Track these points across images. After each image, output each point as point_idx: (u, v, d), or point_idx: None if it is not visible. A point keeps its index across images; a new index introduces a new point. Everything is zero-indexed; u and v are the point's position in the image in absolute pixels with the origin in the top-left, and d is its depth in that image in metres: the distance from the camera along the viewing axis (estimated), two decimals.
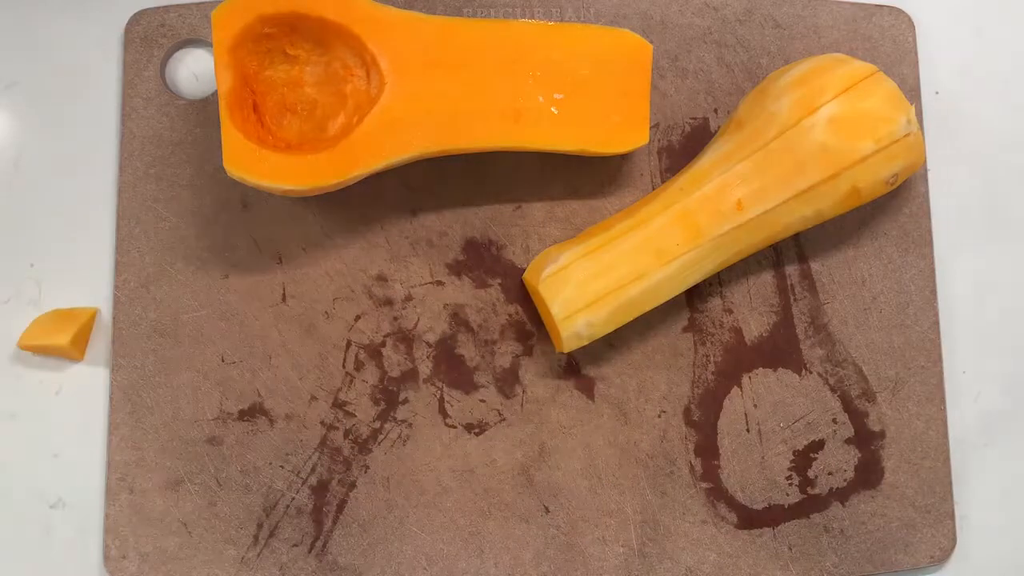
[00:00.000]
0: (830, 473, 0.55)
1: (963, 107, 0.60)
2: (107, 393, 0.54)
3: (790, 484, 0.55)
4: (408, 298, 0.55)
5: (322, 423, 0.54)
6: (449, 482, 0.54)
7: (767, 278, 0.57)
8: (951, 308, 0.58)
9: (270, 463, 0.54)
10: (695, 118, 0.57)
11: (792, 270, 0.57)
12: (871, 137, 0.51)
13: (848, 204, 0.53)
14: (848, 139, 0.50)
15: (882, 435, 0.56)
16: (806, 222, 0.53)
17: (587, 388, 0.55)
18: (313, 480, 0.54)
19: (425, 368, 0.55)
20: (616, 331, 0.53)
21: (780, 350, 0.56)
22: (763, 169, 0.51)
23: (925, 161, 0.57)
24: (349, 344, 0.55)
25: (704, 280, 0.55)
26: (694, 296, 0.56)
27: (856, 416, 0.56)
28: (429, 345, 0.55)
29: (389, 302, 0.55)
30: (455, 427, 0.55)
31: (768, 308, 0.56)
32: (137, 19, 0.56)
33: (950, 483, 0.56)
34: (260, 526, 0.54)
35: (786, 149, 0.51)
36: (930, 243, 0.57)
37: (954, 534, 0.55)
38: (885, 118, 0.51)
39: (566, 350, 0.52)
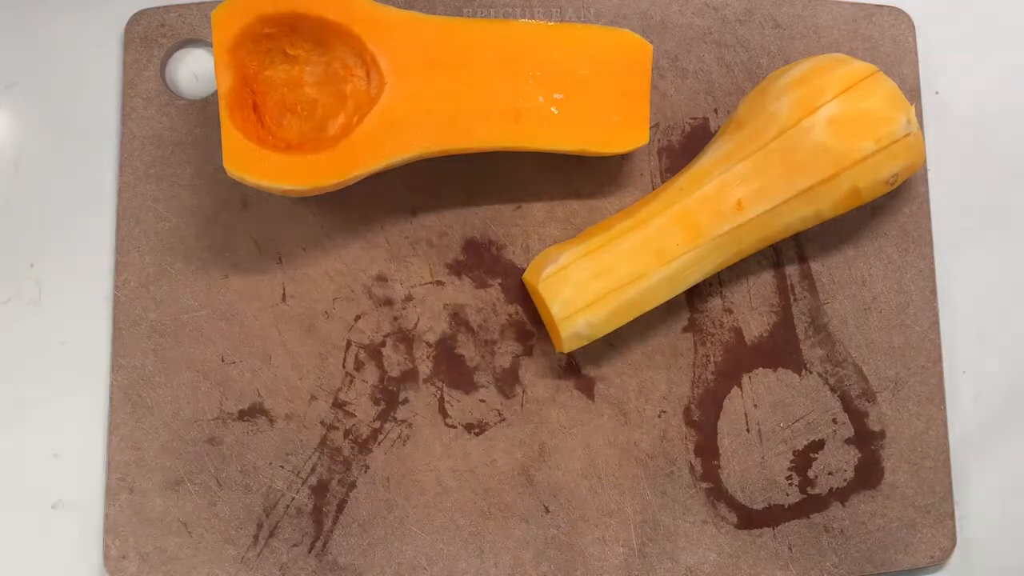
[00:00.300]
0: (830, 473, 0.55)
1: (963, 107, 0.60)
2: (107, 393, 0.54)
3: (790, 484, 0.55)
4: (408, 298, 0.55)
5: (322, 423, 0.54)
6: (449, 482, 0.54)
7: (767, 278, 0.57)
8: (951, 308, 0.58)
9: (270, 463, 0.54)
10: (695, 118, 0.57)
11: (792, 270, 0.57)
12: (871, 137, 0.51)
13: (848, 204, 0.53)
14: (848, 139, 0.50)
15: (882, 435, 0.56)
16: (806, 222, 0.53)
17: (587, 388, 0.55)
18: (313, 480, 0.54)
19: (425, 368, 0.55)
20: (616, 331, 0.53)
21: (780, 350, 0.56)
22: (763, 169, 0.51)
23: (925, 161, 0.57)
24: (349, 344, 0.55)
25: (704, 280, 0.55)
26: (694, 296, 0.56)
27: (856, 416, 0.56)
28: (429, 345, 0.55)
29: (389, 302, 0.55)
30: (455, 427, 0.55)
31: (768, 308, 0.56)
32: (137, 19, 0.56)
33: (950, 483, 0.56)
34: (260, 526, 0.54)
35: (786, 149, 0.51)
36: (930, 243, 0.57)
37: (954, 534, 0.55)
38: (885, 118, 0.51)
39: (566, 350, 0.52)
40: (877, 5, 0.59)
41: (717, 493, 0.55)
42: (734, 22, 0.58)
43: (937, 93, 0.60)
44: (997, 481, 0.57)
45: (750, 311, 0.56)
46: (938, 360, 0.57)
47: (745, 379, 0.56)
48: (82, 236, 0.56)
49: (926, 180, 0.58)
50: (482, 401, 0.55)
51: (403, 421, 0.55)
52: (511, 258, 0.56)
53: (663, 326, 0.56)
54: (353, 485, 0.54)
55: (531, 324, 0.55)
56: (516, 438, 0.55)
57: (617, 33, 0.53)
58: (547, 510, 0.55)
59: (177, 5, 0.57)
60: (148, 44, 0.56)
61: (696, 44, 0.58)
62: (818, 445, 0.56)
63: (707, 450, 0.55)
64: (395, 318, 0.55)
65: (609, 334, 0.53)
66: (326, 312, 0.55)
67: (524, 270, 0.56)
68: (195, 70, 0.58)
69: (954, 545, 0.55)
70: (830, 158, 0.51)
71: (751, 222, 0.52)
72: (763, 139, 0.51)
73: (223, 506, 0.54)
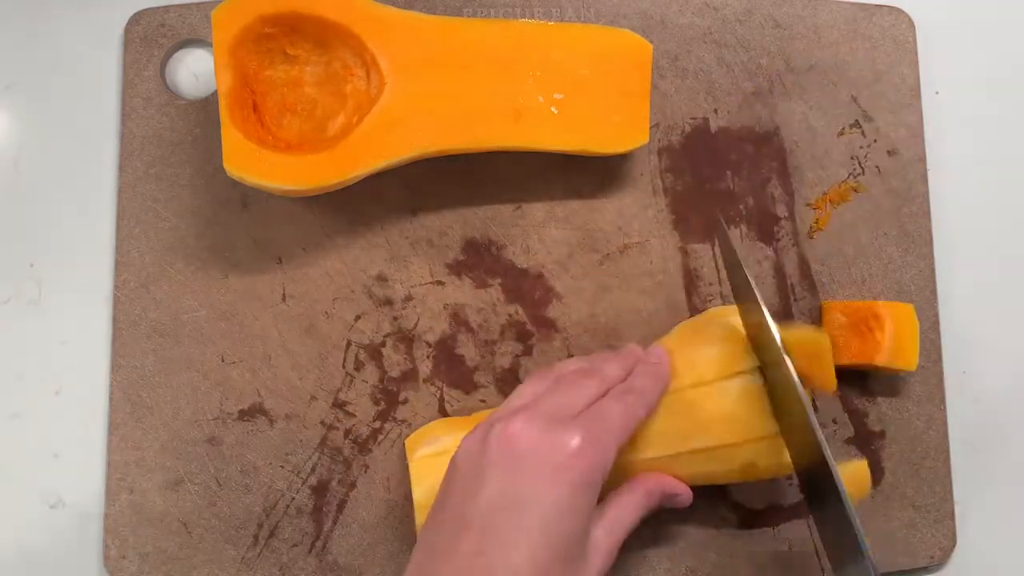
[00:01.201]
0: None
1: (963, 107, 0.60)
2: (107, 393, 0.54)
3: (790, 484, 0.55)
4: (408, 298, 0.55)
5: (322, 423, 0.54)
6: None
7: (767, 278, 0.56)
8: (951, 308, 0.58)
9: (270, 463, 0.54)
10: (695, 118, 0.57)
11: (792, 270, 0.57)
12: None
13: (744, 475, 0.49)
14: (757, 415, 0.48)
15: (882, 435, 0.56)
16: (696, 479, 0.50)
17: None
18: (313, 480, 0.54)
19: (425, 368, 0.55)
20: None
21: None
22: (667, 414, 0.48)
23: (925, 160, 0.57)
24: (349, 344, 0.55)
25: (704, 280, 0.54)
26: (694, 296, 0.56)
27: (856, 416, 0.56)
28: (429, 345, 0.55)
29: (389, 302, 0.55)
30: None
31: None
32: (137, 19, 0.56)
33: (950, 483, 0.56)
34: (260, 526, 0.54)
35: (695, 402, 0.48)
36: (930, 243, 0.57)
37: (954, 534, 0.55)
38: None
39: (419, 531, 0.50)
40: (877, 5, 0.59)
41: (717, 493, 0.55)
42: (734, 22, 0.58)
43: (937, 93, 0.60)
44: (997, 481, 0.57)
45: None
46: (938, 360, 0.56)
47: None
48: (82, 236, 0.56)
49: (926, 180, 0.58)
50: (482, 401, 0.55)
51: (403, 421, 0.55)
52: (511, 258, 0.56)
53: (664, 328, 0.56)
54: (353, 485, 0.54)
55: (531, 324, 0.55)
56: None
57: (617, 33, 0.53)
58: None
59: (177, 5, 0.57)
60: (148, 44, 0.56)
61: (696, 44, 0.58)
62: None
63: None
64: (395, 318, 0.55)
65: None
66: (326, 312, 0.55)
67: (524, 270, 0.56)
68: (195, 70, 0.58)
69: (954, 545, 0.55)
70: (734, 427, 0.48)
71: (640, 462, 0.48)
72: (678, 383, 0.49)
73: (223, 506, 0.54)
